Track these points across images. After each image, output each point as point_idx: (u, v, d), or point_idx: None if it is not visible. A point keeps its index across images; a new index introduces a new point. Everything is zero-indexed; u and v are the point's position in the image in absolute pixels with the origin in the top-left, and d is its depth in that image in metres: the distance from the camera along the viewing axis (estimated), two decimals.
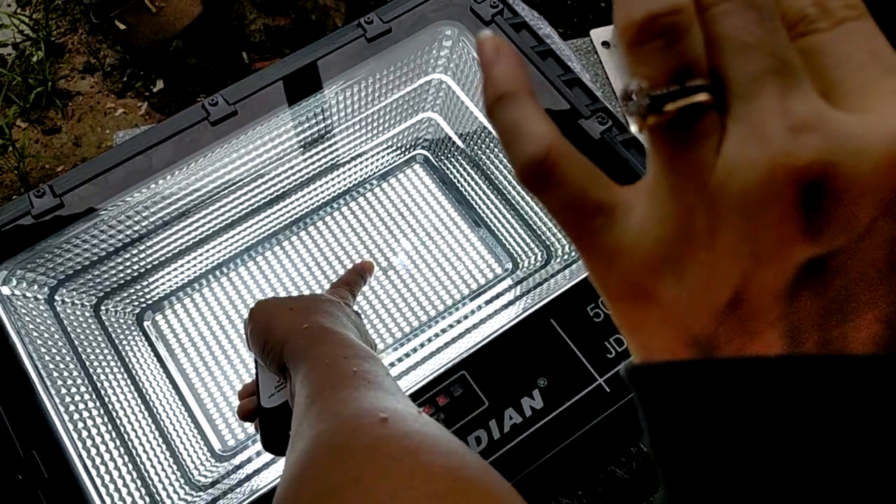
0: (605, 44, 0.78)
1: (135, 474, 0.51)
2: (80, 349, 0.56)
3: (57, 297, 0.57)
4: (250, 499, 0.46)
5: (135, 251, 0.60)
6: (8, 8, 1.83)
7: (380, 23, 0.63)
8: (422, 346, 0.58)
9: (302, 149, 0.63)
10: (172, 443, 0.54)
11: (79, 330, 0.57)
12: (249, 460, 0.55)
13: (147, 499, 0.50)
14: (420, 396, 0.50)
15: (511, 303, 0.57)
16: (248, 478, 0.52)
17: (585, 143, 0.57)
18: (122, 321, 0.60)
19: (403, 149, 0.68)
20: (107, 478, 0.49)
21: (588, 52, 0.78)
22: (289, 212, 0.65)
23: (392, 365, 0.56)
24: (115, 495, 0.49)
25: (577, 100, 0.59)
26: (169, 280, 0.62)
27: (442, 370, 0.51)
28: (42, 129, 1.63)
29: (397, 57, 0.64)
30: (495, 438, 0.49)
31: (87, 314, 0.59)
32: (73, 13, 1.84)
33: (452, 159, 0.67)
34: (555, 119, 0.19)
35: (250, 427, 0.58)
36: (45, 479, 0.48)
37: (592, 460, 0.52)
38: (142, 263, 0.61)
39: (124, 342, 0.59)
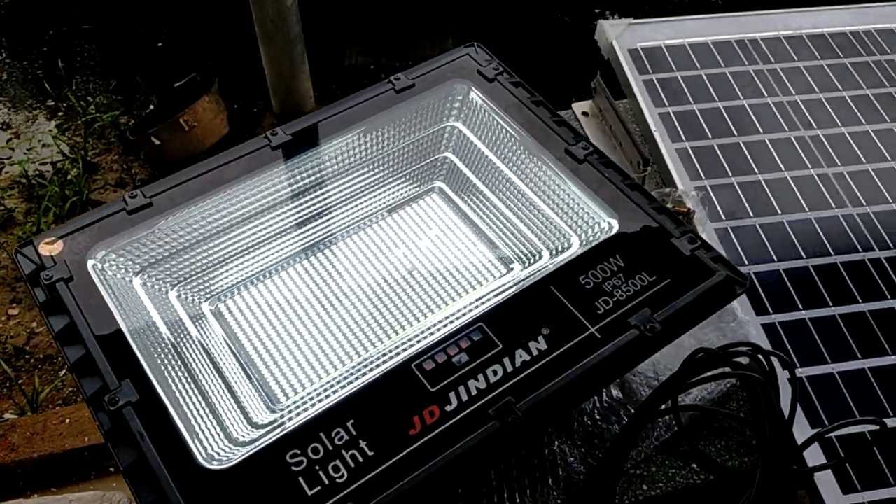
0: (585, 113, 0.95)
1: (207, 407, 0.61)
2: (158, 320, 0.67)
3: (138, 279, 0.69)
4: None
5: (202, 248, 0.73)
6: (50, 132, 2.04)
7: (406, 79, 0.80)
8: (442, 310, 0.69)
9: (339, 175, 0.78)
10: (234, 391, 0.65)
11: (158, 305, 0.68)
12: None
13: (217, 427, 0.60)
14: (444, 343, 0.61)
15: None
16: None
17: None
18: (191, 305, 0.72)
19: (423, 181, 0.82)
20: (185, 407, 0.60)
21: (571, 120, 0.95)
22: (325, 228, 0.78)
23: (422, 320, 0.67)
24: (194, 419, 0.59)
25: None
26: (230, 274, 0.74)
27: (463, 322, 0.63)
28: None
29: (420, 105, 0.80)
30: (508, 371, 0.60)
31: (164, 296, 0.70)
32: (108, 136, 2.04)
33: (466, 190, 0.82)
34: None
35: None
36: (138, 399, 0.58)
37: (585, 392, 0.62)
38: (208, 259, 0.73)
39: (195, 319, 0.70)
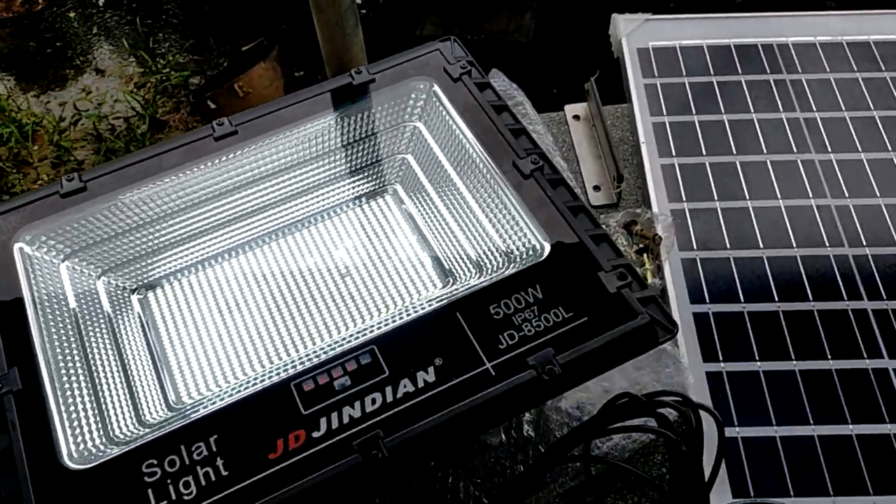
0: (576, 117, 0.89)
1: (94, 402, 0.61)
2: (76, 305, 0.67)
3: (67, 263, 0.70)
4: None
5: (135, 236, 0.73)
6: (124, 88, 2.12)
7: (367, 73, 0.76)
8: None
9: (289, 169, 0.76)
10: (133, 385, 0.64)
11: (81, 292, 0.69)
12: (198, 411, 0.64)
13: (98, 425, 0.60)
14: (331, 363, 0.59)
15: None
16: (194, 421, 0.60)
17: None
18: (118, 293, 0.72)
19: (378, 182, 0.79)
20: (70, 400, 0.60)
21: (560, 123, 0.88)
22: (273, 221, 0.76)
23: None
24: (74, 414, 0.59)
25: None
26: (161, 265, 0.74)
27: (356, 342, 0.60)
28: None
29: (378, 102, 0.76)
30: (388, 401, 0.57)
31: (90, 282, 0.71)
32: (178, 96, 2.10)
33: (418, 195, 0.78)
34: None
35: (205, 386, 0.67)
36: (20, 389, 0.58)
37: (463, 433, 0.58)
38: (141, 247, 0.73)
39: (116, 309, 0.70)
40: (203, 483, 0.54)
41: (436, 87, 0.75)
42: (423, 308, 0.64)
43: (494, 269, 0.68)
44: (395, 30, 2.25)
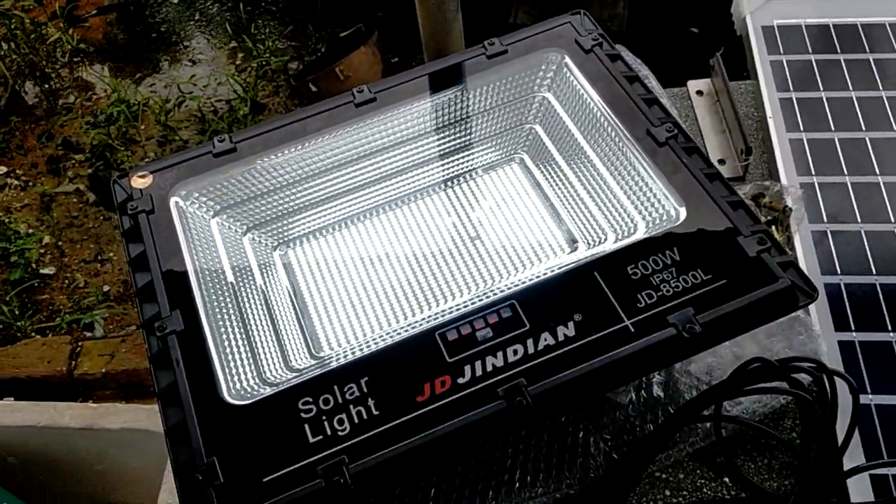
0: (699, 92, 0.89)
1: (247, 346, 0.65)
2: (227, 258, 0.72)
3: (217, 219, 0.74)
4: None
5: (278, 196, 0.76)
6: (227, 71, 2.20)
7: (500, 45, 0.79)
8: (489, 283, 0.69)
9: (423, 136, 0.78)
10: (280, 333, 0.68)
11: (230, 246, 0.73)
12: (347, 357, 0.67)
13: (252, 364, 0.64)
14: (473, 315, 0.61)
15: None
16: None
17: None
18: (262, 249, 0.76)
19: (506, 150, 0.81)
20: (226, 342, 0.64)
21: (683, 98, 0.89)
22: (406, 185, 0.79)
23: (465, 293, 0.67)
24: (231, 355, 0.63)
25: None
26: (302, 223, 0.78)
27: (496, 297, 0.62)
28: None
29: (511, 72, 0.78)
30: (529, 353, 0.59)
31: (237, 237, 0.75)
32: (278, 80, 2.17)
33: (546, 164, 0.80)
34: None
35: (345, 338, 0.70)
36: (182, 330, 0.63)
37: (603, 386, 0.60)
38: (284, 206, 0.77)
39: (262, 263, 0.75)
40: (356, 420, 0.57)
41: (567, 59, 0.77)
42: (559, 268, 0.65)
43: (628, 233, 0.69)
44: (488, 18, 2.26)
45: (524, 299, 0.62)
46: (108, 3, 2.63)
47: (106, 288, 1.85)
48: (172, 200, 0.72)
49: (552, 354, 0.58)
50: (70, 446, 1.27)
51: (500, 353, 0.59)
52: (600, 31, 0.79)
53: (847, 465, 0.60)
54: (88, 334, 1.76)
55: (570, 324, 0.60)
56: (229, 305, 0.68)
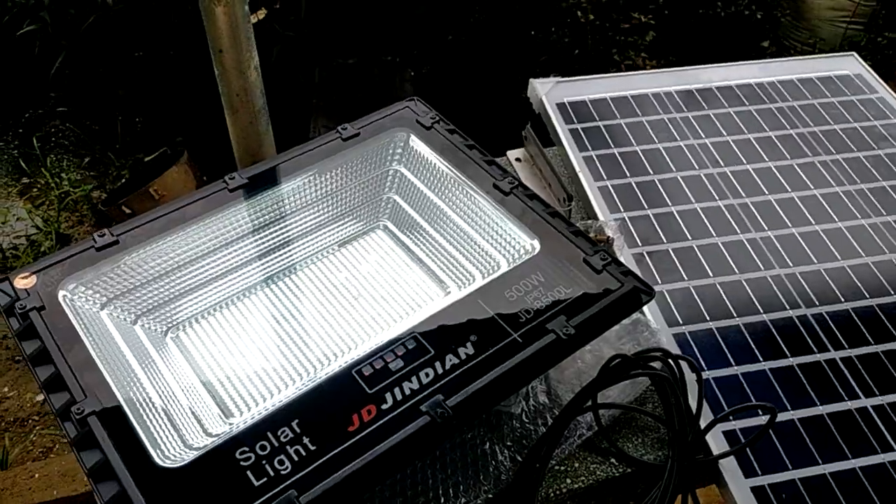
0: (518, 159, 1.05)
1: (165, 417, 0.67)
2: (123, 344, 0.73)
3: (106, 310, 0.76)
4: None
5: (164, 281, 0.80)
6: (24, 207, 2.11)
7: (352, 129, 0.89)
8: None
9: (294, 213, 0.86)
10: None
11: (124, 333, 0.75)
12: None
13: (174, 434, 0.66)
14: (382, 351, 0.68)
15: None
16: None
17: None
18: (153, 334, 0.78)
19: (370, 219, 0.90)
20: (144, 415, 0.65)
21: (505, 165, 1.05)
22: (278, 262, 0.85)
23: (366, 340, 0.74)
24: (152, 426, 0.65)
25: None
26: (190, 306, 0.81)
27: (398, 334, 0.70)
28: None
29: (365, 150, 0.88)
30: (439, 373, 0.67)
31: (129, 326, 0.77)
32: (81, 209, 2.11)
33: (408, 226, 0.90)
34: None
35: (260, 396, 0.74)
36: (101, 409, 0.64)
37: (508, 388, 0.69)
38: (169, 292, 0.80)
39: (158, 348, 0.76)
40: (295, 458, 0.61)
41: (413, 136, 0.89)
42: (449, 303, 0.75)
43: (492, 270, 0.81)
44: (287, 132, 2.38)
45: (424, 331, 0.70)
46: None
47: None
48: (61, 294, 0.73)
49: (460, 370, 0.67)
50: None
51: (414, 378, 0.67)
52: (435, 111, 0.92)
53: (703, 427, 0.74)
54: None
55: (469, 343, 0.69)
56: (138, 385, 0.69)
